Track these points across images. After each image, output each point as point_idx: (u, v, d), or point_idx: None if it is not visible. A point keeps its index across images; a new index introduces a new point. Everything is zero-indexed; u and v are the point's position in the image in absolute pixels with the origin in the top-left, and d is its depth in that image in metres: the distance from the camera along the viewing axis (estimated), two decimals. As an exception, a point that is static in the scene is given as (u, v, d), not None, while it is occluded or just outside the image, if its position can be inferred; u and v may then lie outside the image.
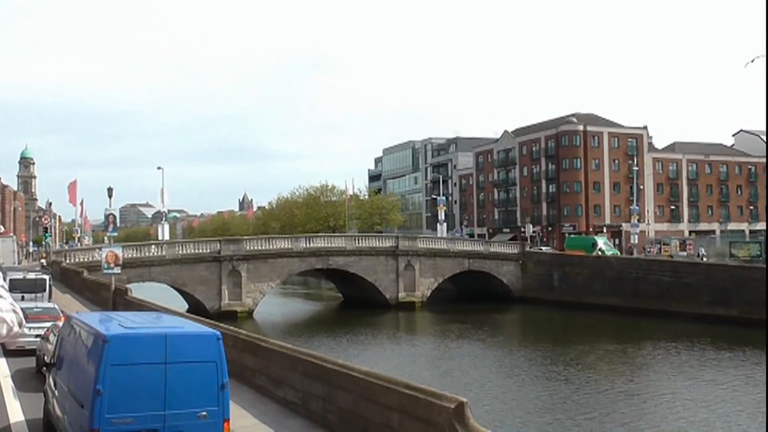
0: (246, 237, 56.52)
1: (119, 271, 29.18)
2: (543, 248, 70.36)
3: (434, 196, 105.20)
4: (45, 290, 28.53)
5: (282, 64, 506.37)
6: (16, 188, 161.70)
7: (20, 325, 3.57)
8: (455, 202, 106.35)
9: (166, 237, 53.72)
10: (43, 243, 74.95)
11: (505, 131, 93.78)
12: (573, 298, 56.02)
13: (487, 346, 41.96)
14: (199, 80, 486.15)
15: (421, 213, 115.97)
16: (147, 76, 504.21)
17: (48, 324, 19.76)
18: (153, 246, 51.70)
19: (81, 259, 47.90)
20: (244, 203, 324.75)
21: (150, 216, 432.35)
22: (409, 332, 50.91)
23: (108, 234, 27.84)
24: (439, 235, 64.95)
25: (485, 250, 61.92)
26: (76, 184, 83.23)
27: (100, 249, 49.27)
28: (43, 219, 45.11)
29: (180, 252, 51.26)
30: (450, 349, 40.83)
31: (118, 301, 27.88)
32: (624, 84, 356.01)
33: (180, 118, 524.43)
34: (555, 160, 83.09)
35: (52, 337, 16.68)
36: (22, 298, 26.21)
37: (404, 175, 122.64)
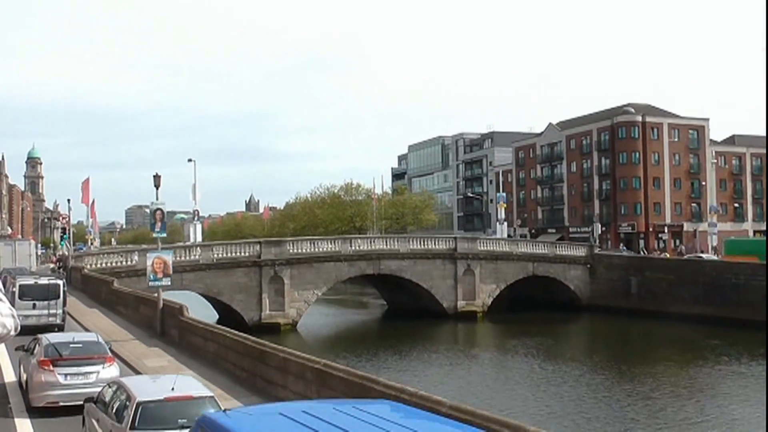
0: (289, 239, 49.99)
1: (168, 283, 22.80)
2: (623, 250, 63.66)
3: (470, 194, 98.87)
4: (59, 297, 25.42)
5: (287, 63, 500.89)
6: (23, 189, 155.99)
7: (16, 330, 3.60)
8: (491, 200, 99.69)
9: (198, 239, 47.23)
10: (59, 246, 68.67)
11: (550, 124, 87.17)
12: (655, 306, 49.48)
13: (566, 364, 35.98)
14: (204, 81, 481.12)
15: (452, 213, 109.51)
16: (150, 77, 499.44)
17: (95, 369, 13.40)
18: (184, 249, 45.24)
19: (104, 264, 41.50)
20: (250, 204, 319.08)
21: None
22: (472, 347, 44.62)
23: (155, 233, 21.79)
24: (498, 236, 58.34)
25: (551, 253, 55.35)
26: (89, 183, 77.39)
27: (138, 252, 43.10)
28: (60, 219, 38.36)
29: (215, 255, 44.84)
30: (522, 369, 34.94)
31: (169, 323, 21.52)
32: (665, 74, 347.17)
33: (184, 119, 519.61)
34: (610, 154, 76.44)
35: (111, 396, 10.29)
36: (34, 306, 24.27)
37: (432, 173, 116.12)
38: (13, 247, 50.62)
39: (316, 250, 47.86)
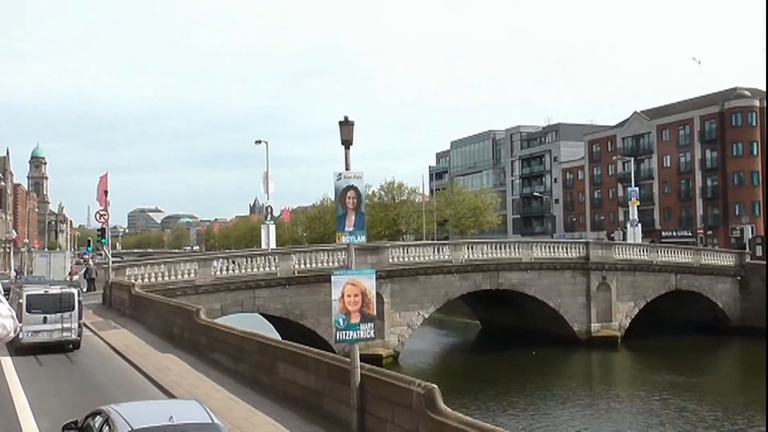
0: (389, 243, 38.93)
1: (372, 336, 11.80)
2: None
3: (537, 194, 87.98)
4: (73, 308, 22.26)
5: (292, 66, 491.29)
6: (26, 190, 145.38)
7: (15, 331, 3.54)
8: (555, 200, 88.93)
9: (272, 244, 36.27)
10: (86, 251, 58.18)
11: (635, 113, 76.28)
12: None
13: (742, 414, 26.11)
14: (204, 84, 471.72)
15: (506, 214, 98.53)
16: (151, 81, 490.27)
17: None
18: (252, 258, 34.24)
19: (152, 279, 30.46)
20: (255, 208, 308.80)
21: (159, 221, 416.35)
22: (619, 386, 34.23)
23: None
24: (630, 241, 47.34)
25: (695, 262, 44.44)
26: (107, 179, 67.61)
27: (199, 263, 32.02)
28: (99, 217, 27.05)
29: (296, 266, 33.92)
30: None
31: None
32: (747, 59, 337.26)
33: (186, 123, 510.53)
34: (718, 145, 65.54)
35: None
36: (44, 321, 21.48)
37: (480, 171, 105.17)
38: (48, 258, 48.60)
39: (422, 258, 36.98)
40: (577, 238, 79.26)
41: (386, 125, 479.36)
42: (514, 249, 39.76)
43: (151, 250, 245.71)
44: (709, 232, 65.76)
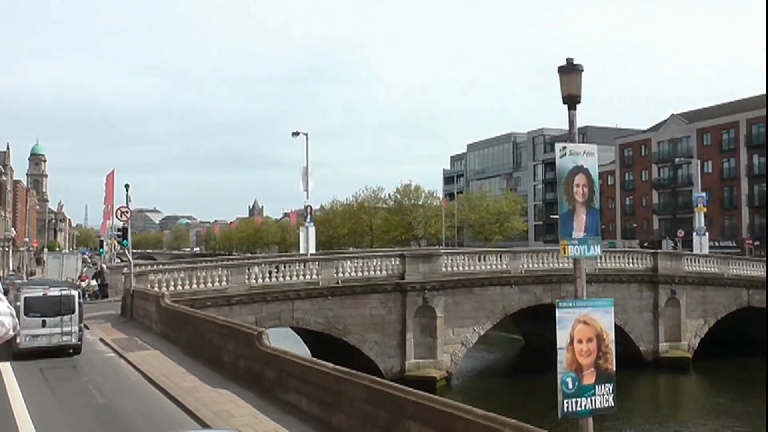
0: (443, 251, 34.63)
1: None
2: None
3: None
4: (73, 311, 20.92)
5: (291, 71, 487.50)
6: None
7: (14, 329, 3.56)
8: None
9: (312, 249, 32.02)
10: (100, 254, 53.98)
11: (673, 115, 72.28)
12: None
13: None
14: (203, 86, 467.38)
15: (528, 220, 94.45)
16: (150, 82, 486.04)
17: None
18: (290, 264, 30.03)
19: (179, 287, 26.27)
20: (254, 210, 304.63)
21: (157, 222, 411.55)
22: (694, 418, 30.21)
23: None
24: (696, 251, 43.20)
25: (769, 276, 40.31)
26: (114, 176, 63.42)
27: (230, 270, 27.74)
28: (120, 215, 22.70)
29: (341, 274, 29.78)
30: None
31: None
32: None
33: (184, 125, 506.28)
34: (766, 150, 61.49)
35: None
36: (43, 324, 20.56)
37: (499, 175, 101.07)
38: (61, 260, 48.10)
39: (477, 268, 32.84)
40: (606, 248, 75.34)
41: (389, 130, 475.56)
42: (577, 259, 35.52)
43: (150, 251, 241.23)
44: (757, 243, 61.71)
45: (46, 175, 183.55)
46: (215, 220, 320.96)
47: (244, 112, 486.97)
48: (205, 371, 16.57)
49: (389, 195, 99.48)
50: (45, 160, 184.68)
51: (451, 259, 32.36)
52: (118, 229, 26.70)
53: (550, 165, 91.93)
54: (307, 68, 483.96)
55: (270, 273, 29.25)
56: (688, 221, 69.19)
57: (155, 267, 33.62)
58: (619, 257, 37.10)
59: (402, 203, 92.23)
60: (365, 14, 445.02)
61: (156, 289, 26.33)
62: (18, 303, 20.43)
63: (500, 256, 33.75)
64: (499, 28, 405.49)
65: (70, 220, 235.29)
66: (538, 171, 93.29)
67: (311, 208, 33.51)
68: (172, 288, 26.73)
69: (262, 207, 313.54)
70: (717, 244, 64.42)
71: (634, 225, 76.02)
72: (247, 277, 28.05)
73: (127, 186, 26.66)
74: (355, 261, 30.53)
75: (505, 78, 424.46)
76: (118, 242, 25.76)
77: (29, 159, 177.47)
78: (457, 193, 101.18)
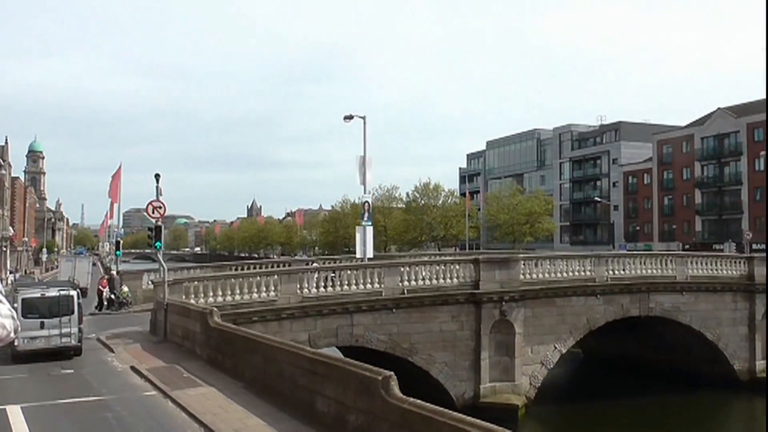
0: (522, 255, 29.87)
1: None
2: None
3: (598, 198, 79.19)
4: (72, 312, 20.53)
5: (286, 70, 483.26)
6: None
7: (15, 331, 3.42)
8: (615, 207, 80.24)
9: (370, 252, 27.33)
10: (113, 257, 49.78)
11: (719, 110, 67.72)
12: None
13: None
14: (201, 86, 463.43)
15: (553, 221, 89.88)
16: (146, 81, 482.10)
17: None
18: (346, 270, 25.31)
19: (220, 298, 21.59)
20: (252, 210, 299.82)
21: (154, 221, 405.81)
22: None
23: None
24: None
25: None
26: (120, 174, 58.89)
27: (282, 277, 22.91)
28: (152, 211, 17.81)
29: (406, 282, 25.12)
30: None
31: None
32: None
33: (182, 124, 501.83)
34: (828, 146, 57.05)
35: None
36: (42, 326, 20.21)
37: (522, 173, 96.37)
38: (74, 263, 47.71)
39: (557, 275, 28.20)
40: (642, 250, 70.81)
41: (389, 131, 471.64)
42: (666, 264, 30.96)
43: (149, 251, 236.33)
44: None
45: (44, 173, 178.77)
46: (214, 220, 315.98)
47: (241, 112, 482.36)
48: (293, 426, 11.87)
49: (407, 194, 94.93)
50: (43, 157, 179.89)
51: (531, 265, 27.69)
52: (150, 228, 21.97)
53: (577, 163, 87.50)
54: (305, 69, 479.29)
55: (326, 281, 24.66)
56: (735, 222, 64.85)
57: (186, 273, 28.91)
58: (710, 262, 32.45)
59: (419, 203, 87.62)
60: (363, 16, 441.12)
61: (192, 300, 21.65)
62: (15, 304, 19.51)
63: (583, 262, 29.07)
64: (498, 31, 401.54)
65: (67, 219, 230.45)
66: (565, 169, 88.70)
67: (369, 204, 28.75)
68: (211, 299, 22.06)
69: (261, 207, 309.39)
70: (770, 246, 59.97)
71: (674, 226, 71.46)
72: (299, 286, 23.41)
73: (157, 176, 21.94)
74: (425, 267, 25.83)
75: (505, 81, 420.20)
76: (149, 243, 20.92)
77: (27, 156, 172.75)
78: (475, 192, 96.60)
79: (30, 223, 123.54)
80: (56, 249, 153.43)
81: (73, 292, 21.50)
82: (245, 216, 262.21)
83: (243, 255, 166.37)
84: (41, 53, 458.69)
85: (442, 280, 25.86)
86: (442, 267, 26.28)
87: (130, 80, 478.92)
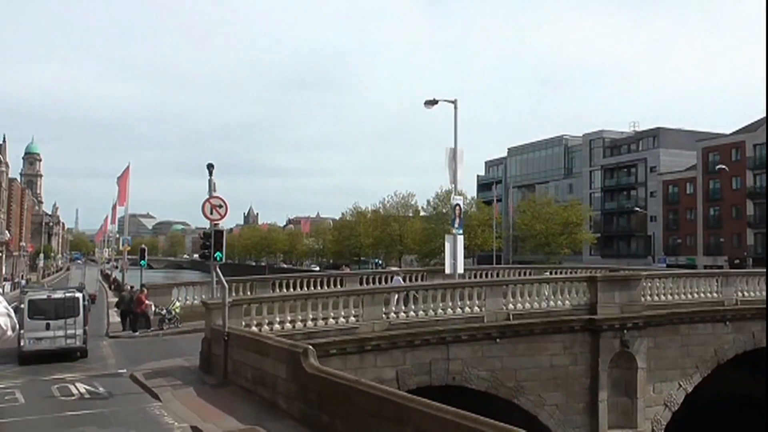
0: (644, 273, 24.91)
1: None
2: None
3: (638, 209, 74.38)
4: (78, 314, 21.11)
5: (283, 79, 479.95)
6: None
7: (13, 329, 3.51)
8: (652, 218, 75.50)
9: (460, 267, 22.32)
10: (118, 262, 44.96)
11: (774, 114, 63.03)
12: None
13: None
14: (198, 93, 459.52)
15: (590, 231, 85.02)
16: (143, 88, 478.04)
17: None
18: (440, 290, 20.33)
19: (299, 323, 16.57)
20: (249, 217, 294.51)
21: (150, 227, 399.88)
22: None
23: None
24: None
25: None
26: (128, 176, 54.59)
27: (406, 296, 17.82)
28: (211, 211, 12.64)
29: (511, 306, 20.15)
30: None
31: None
32: None
33: (177, 130, 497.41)
34: None
35: None
36: (47, 327, 20.73)
37: (547, 182, 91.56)
38: (83, 270, 47.83)
39: (680, 297, 23.26)
40: (684, 264, 66.06)
41: (383, 139, 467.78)
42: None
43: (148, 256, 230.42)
44: None
45: (41, 175, 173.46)
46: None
47: (237, 118, 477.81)
48: None
49: (427, 201, 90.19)
50: (40, 160, 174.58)
51: (653, 285, 22.76)
52: (205, 234, 16.74)
53: (610, 171, 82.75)
54: (302, 76, 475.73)
55: (407, 299, 19.73)
56: (793, 236, 60.06)
57: (242, 293, 23.84)
58: None
59: (441, 210, 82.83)
60: (362, 23, 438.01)
61: (254, 327, 16.65)
62: (22, 306, 20.36)
63: (709, 281, 24.15)
64: (496, 36, 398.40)
65: (63, 223, 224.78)
66: (596, 177, 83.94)
67: (460, 208, 23.90)
68: (277, 326, 17.09)
69: (257, 214, 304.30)
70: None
71: (721, 240, 66.68)
72: (385, 309, 18.44)
73: (210, 167, 16.89)
74: (531, 286, 20.84)
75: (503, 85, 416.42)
76: (205, 254, 15.42)
77: (23, 158, 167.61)
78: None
79: (27, 227, 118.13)
80: (53, 254, 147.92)
81: (79, 294, 21.90)
82: (242, 223, 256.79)
83: (252, 264, 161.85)
84: (37, 56, 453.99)
85: (552, 302, 20.92)
86: (552, 285, 21.30)
87: (126, 85, 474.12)
